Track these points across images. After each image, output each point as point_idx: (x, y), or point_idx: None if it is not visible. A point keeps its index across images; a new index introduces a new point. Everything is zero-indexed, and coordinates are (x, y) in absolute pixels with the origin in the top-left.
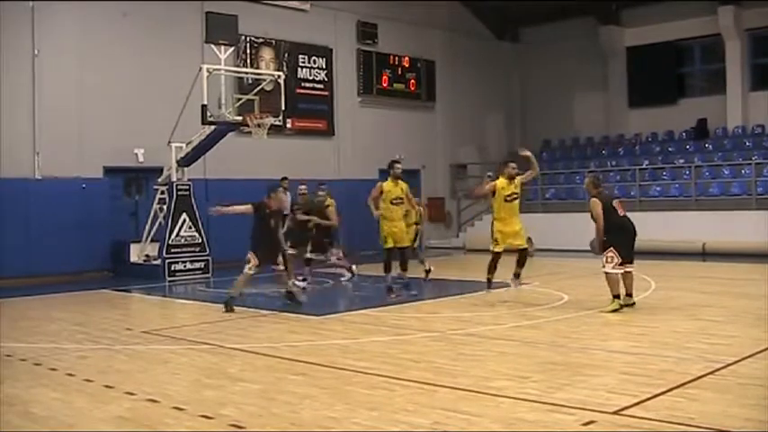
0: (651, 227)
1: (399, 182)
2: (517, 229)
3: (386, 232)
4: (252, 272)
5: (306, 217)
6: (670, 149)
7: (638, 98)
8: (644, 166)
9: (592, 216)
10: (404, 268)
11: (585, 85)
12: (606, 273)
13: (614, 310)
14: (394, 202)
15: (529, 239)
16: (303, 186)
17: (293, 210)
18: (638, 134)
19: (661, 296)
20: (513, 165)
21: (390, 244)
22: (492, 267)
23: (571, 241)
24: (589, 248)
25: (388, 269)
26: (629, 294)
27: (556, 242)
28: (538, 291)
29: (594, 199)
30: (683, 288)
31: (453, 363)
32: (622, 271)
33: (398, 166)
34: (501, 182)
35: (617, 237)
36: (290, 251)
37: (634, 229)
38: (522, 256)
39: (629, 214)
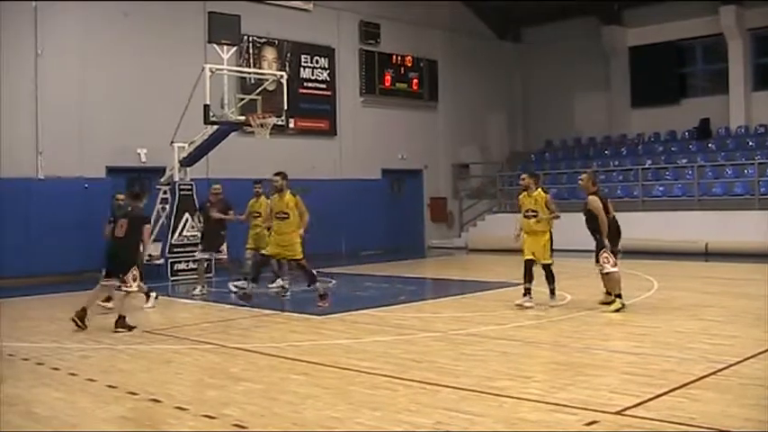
0: (654, 227)
1: (286, 195)
2: (537, 246)
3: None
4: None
5: (219, 215)
6: (673, 149)
7: (641, 98)
8: (646, 166)
9: (588, 214)
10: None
11: (588, 85)
12: (607, 273)
13: (617, 310)
14: (278, 216)
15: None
16: (218, 186)
17: (207, 210)
18: (641, 134)
19: (663, 296)
20: (522, 176)
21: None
22: (525, 276)
23: (573, 241)
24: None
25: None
26: (608, 293)
27: (558, 242)
28: (540, 291)
29: (593, 196)
30: (686, 288)
31: (455, 363)
32: (618, 269)
33: (276, 178)
34: (521, 196)
35: (610, 237)
36: (204, 255)
37: (619, 230)
38: (545, 271)
39: (630, 214)
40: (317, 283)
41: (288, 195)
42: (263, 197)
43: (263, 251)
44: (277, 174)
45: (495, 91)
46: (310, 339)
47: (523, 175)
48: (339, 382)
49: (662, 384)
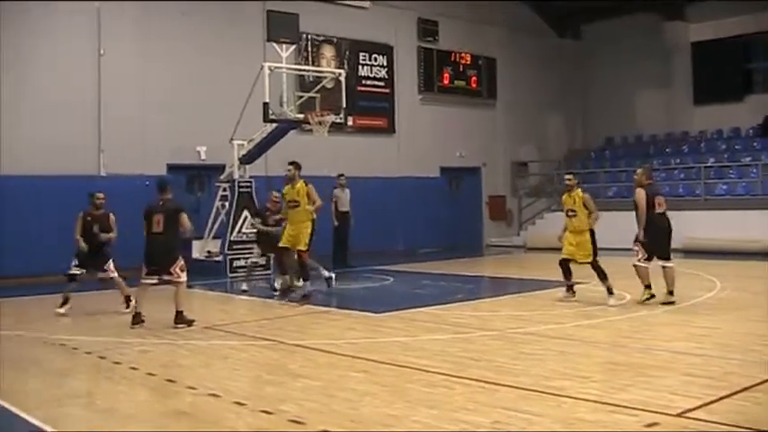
0: (716, 226)
1: (297, 184)
2: (575, 243)
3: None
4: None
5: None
6: (736, 147)
7: (704, 95)
8: (709, 164)
9: (634, 206)
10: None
11: (649, 81)
12: (634, 265)
13: (647, 299)
14: (290, 204)
15: None
16: (277, 194)
17: (266, 217)
18: (703, 131)
19: (725, 297)
20: (567, 177)
21: (283, 244)
22: (563, 275)
23: (633, 240)
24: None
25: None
26: (670, 292)
27: (617, 241)
28: (598, 290)
29: (640, 189)
30: (749, 289)
31: (513, 362)
32: (649, 264)
33: (288, 168)
34: (564, 196)
35: (655, 234)
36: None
37: (669, 226)
38: (594, 269)
39: (692, 213)
40: (308, 282)
41: (299, 184)
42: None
43: (280, 245)
44: (291, 163)
45: (555, 88)
46: (368, 337)
47: (569, 176)
48: (396, 379)
49: (724, 387)
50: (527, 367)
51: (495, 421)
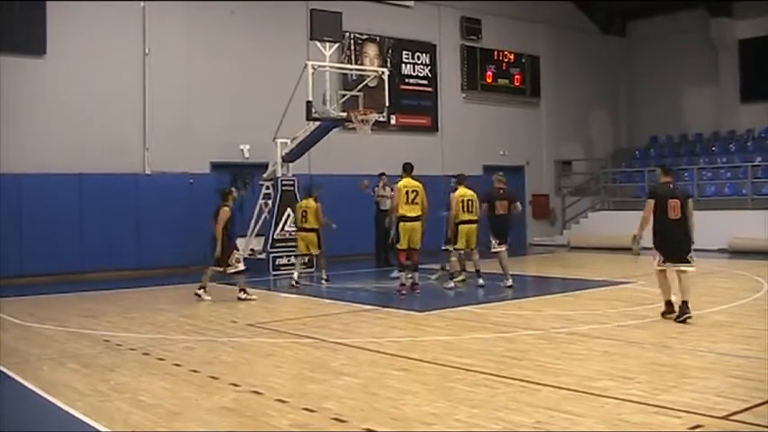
0: (763, 226)
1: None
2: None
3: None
4: None
5: None
6: None
7: (751, 92)
8: (756, 163)
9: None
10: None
11: (695, 79)
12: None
13: None
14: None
15: (634, 238)
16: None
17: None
18: (751, 130)
19: None
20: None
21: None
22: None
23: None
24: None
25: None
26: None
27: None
28: (643, 290)
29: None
30: None
31: (556, 361)
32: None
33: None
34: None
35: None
36: None
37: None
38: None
39: (739, 213)
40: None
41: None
42: None
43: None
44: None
45: (599, 86)
46: (410, 335)
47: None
48: (438, 378)
49: None
50: (570, 367)
51: (538, 421)
